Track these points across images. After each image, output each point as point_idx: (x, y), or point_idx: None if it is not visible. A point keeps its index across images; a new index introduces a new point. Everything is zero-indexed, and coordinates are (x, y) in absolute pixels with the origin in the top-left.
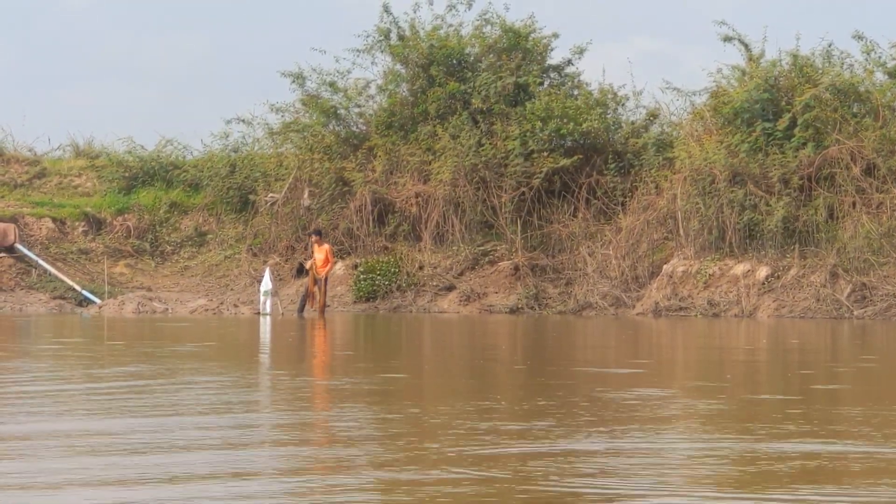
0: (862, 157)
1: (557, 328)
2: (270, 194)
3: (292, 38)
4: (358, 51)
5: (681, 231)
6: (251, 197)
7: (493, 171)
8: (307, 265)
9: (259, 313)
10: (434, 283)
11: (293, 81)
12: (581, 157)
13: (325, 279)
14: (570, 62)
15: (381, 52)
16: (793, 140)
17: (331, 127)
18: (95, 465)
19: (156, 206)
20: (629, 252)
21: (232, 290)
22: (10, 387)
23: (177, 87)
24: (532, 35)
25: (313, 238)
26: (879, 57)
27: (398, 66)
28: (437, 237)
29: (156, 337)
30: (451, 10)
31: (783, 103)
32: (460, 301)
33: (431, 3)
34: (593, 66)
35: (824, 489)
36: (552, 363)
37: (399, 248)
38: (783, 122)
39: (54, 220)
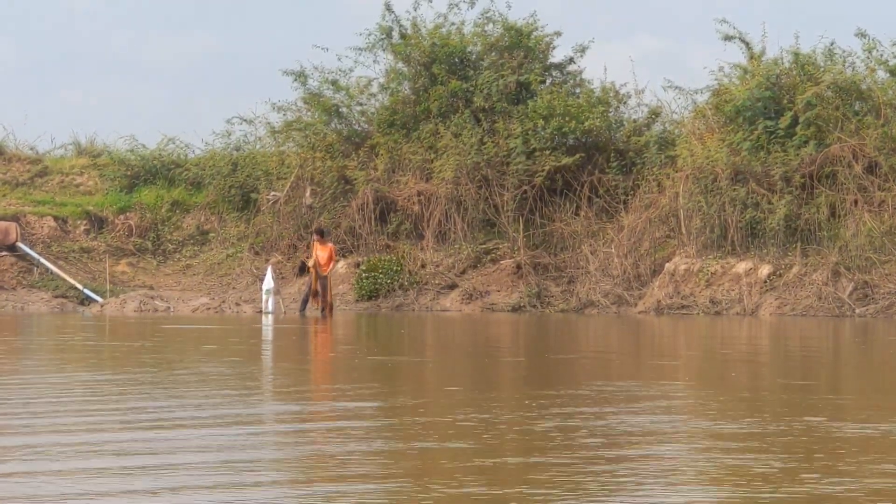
0: (864, 156)
1: (568, 327)
2: (272, 193)
3: (294, 36)
4: (360, 49)
5: (683, 229)
6: (253, 195)
7: (495, 170)
8: (309, 264)
9: (261, 312)
10: (436, 282)
11: (295, 80)
12: (583, 155)
13: (328, 278)
14: (571, 60)
15: (383, 50)
16: (795, 138)
17: (333, 125)
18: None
19: (158, 205)
20: (631, 250)
21: (234, 288)
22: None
23: (179, 86)
24: (534, 33)
25: (314, 237)
26: (881, 55)
27: (400, 65)
28: (440, 235)
29: (158, 336)
30: (453, 8)
31: (785, 101)
32: (462, 300)
33: (431, 1)
34: (595, 64)
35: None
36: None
37: (401, 246)
38: (785, 121)
39: (56, 218)
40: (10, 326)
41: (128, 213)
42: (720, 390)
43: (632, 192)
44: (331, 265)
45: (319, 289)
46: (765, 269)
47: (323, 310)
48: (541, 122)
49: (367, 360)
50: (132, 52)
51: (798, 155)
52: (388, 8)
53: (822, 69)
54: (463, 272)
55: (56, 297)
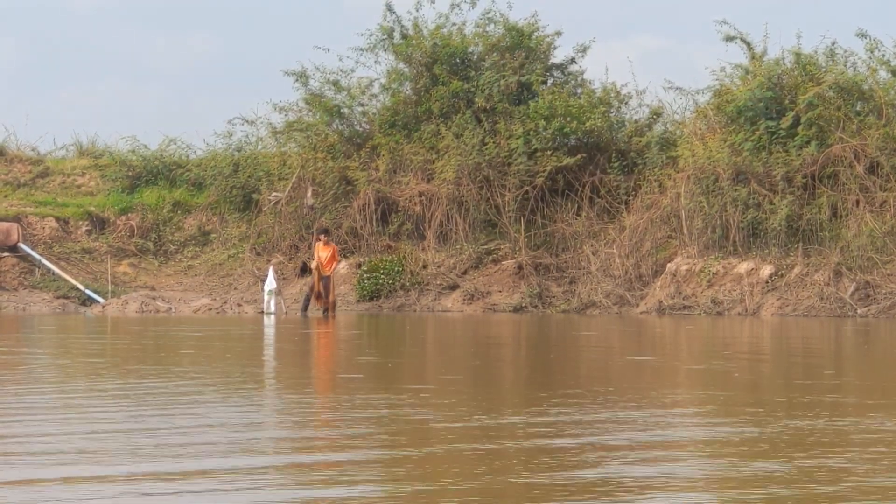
0: (865, 156)
1: (572, 328)
2: (274, 193)
3: (296, 37)
4: (361, 49)
5: (684, 229)
6: (254, 196)
7: (496, 170)
8: (311, 265)
9: (263, 312)
10: (438, 282)
11: (297, 80)
12: (584, 155)
13: (330, 278)
14: (573, 60)
15: (385, 50)
16: (796, 138)
17: (334, 126)
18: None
19: (159, 206)
20: (633, 251)
21: (235, 289)
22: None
23: (180, 87)
24: (535, 34)
25: (322, 238)
26: (883, 55)
27: (401, 65)
28: (441, 236)
29: (159, 337)
30: (454, 8)
31: (786, 102)
32: (464, 300)
33: (433, 2)
34: (596, 64)
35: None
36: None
37: (403, 247)
38: (786, 121)
39: (57, 219)
40: (14, 327)
41: (129, 214)
42: (725, 391)
43: (633, 193)
44: (332, 265)
45: (322, 289)
46: (766, 270)
47: (325, 310)
48: (542, 123)
49: (369, 361)
50: (134, 52)
51: (800, 155)
52: (390, 8)
53: (823, 69)
54: (464, 273)
55: (58, 297)
